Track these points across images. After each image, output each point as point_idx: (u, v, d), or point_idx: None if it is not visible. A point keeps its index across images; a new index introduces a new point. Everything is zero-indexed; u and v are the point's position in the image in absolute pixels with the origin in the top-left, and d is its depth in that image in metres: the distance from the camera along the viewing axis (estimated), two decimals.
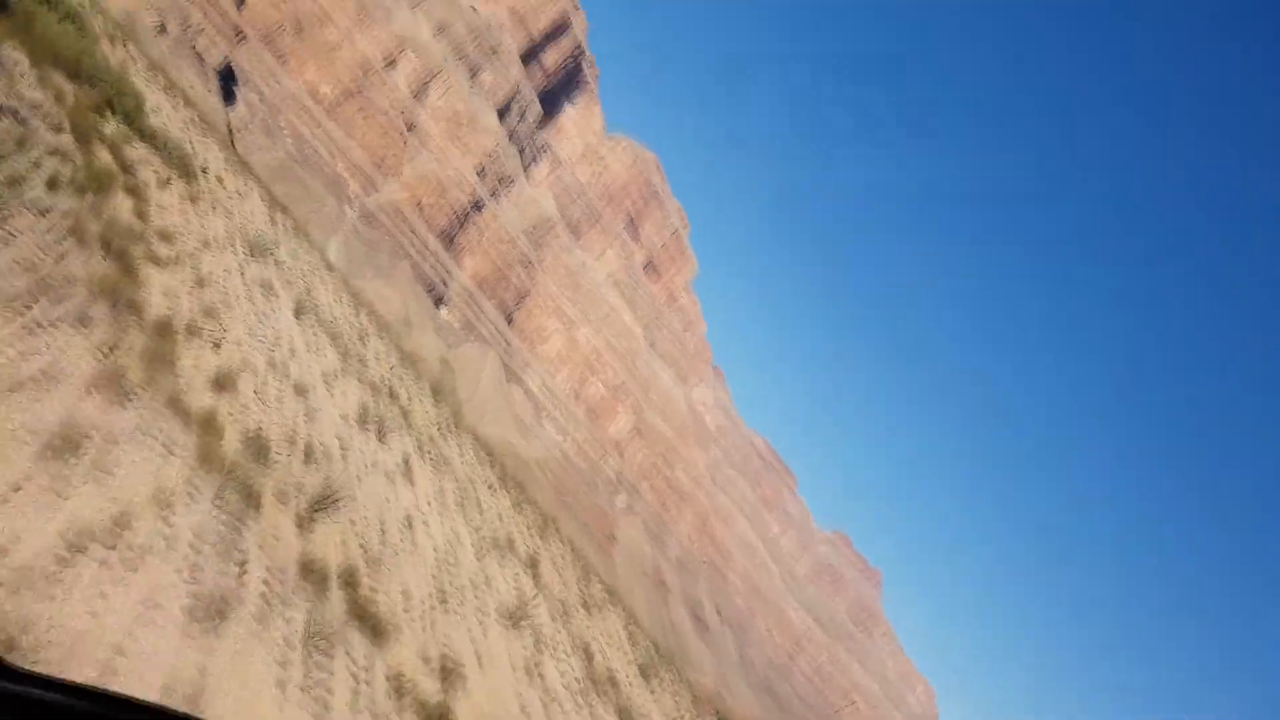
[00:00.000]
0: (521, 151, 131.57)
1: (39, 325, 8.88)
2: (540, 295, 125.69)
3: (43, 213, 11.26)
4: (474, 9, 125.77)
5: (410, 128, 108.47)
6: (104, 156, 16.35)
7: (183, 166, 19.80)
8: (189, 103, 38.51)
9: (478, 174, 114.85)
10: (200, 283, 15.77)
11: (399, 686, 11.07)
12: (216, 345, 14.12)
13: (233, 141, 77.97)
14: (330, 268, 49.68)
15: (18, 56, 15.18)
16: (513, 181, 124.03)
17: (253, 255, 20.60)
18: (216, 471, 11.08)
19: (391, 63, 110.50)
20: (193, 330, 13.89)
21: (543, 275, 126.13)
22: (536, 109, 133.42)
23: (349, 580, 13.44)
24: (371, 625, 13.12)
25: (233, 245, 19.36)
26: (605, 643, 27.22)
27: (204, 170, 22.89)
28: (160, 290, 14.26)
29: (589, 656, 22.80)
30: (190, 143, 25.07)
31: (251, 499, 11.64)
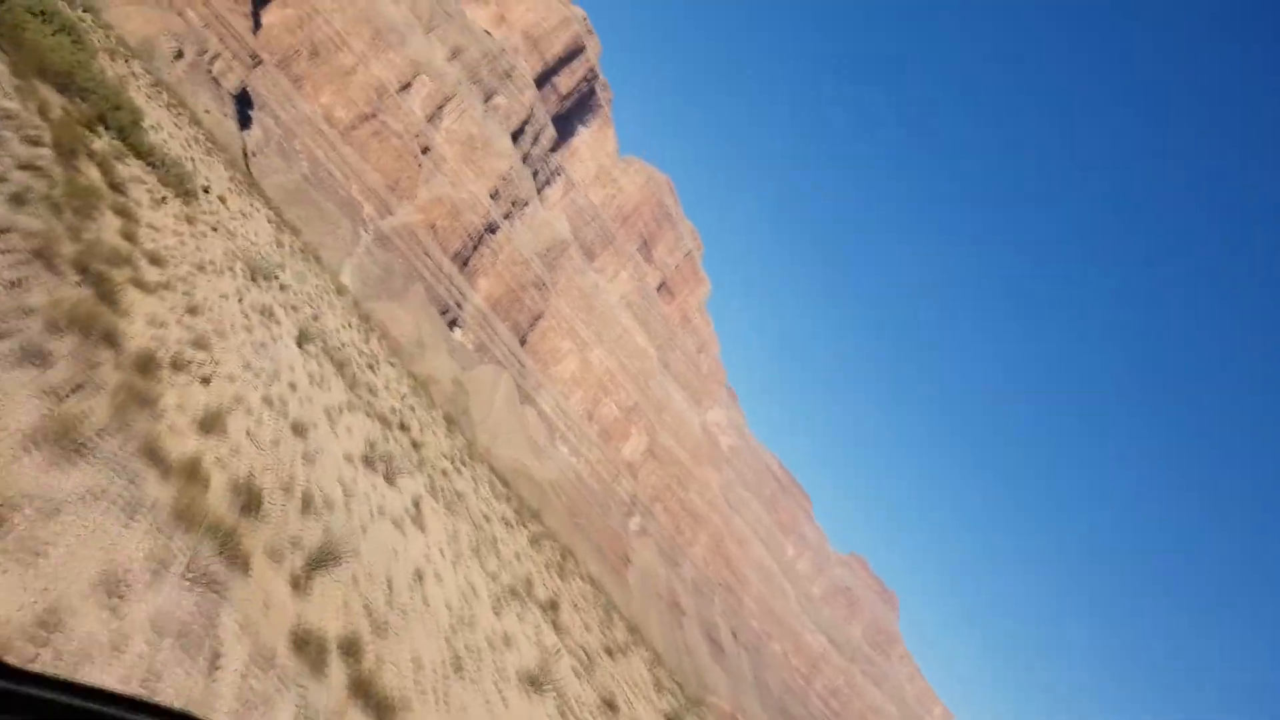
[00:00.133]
0: (535, 174, 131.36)
1: None
2: (554, 317, 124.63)
3: None
4: (488, 33, 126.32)
5: (424, 151, 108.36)
6: (91, 173, 15.04)
7: (180, 185, 18.51)
8: (194, 121, 37.63)
9: (492, 197, 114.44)
10: (192, 310, 14.34)
11: None
12: (206, 380, 12.62)
13: (248, 164, 77.68)
14: (341, 291, 48.50)
15: None
16: (526, 204, 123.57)
17: (254, 279, 19.23)
18: (195, 531, 9.55)
19: (406, 87, 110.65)
20: (179, 364, 12.42)
21: (556, 297, 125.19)
22: (550, 132, 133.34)
23: (351, 650, 11.82)
24: (377, 703, 11.43)
25: (232, 269, 17.99)
26: (630, 691, 25.43)
27: (205, 189, 21.63)
28: (145, 319, 12.84)
29: (614, 710, 21.07)
30: (192, 160, 23.86)
31: (237, 562, 10.07)
